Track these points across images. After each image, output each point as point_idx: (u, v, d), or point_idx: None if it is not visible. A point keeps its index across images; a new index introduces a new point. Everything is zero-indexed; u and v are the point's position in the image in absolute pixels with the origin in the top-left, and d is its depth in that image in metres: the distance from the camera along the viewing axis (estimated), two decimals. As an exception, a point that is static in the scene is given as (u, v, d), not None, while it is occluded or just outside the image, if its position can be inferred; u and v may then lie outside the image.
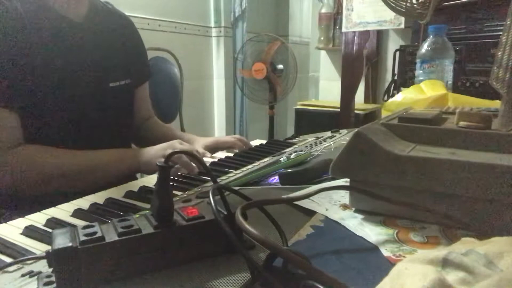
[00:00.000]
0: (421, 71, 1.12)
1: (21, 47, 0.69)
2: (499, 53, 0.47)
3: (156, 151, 0.73)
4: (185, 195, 0.56)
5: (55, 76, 0.73)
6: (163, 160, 0.64)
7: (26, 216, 0.50)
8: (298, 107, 2.18)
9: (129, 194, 0.58)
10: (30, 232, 0.45)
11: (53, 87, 0.73)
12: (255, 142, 0.97)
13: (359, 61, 1.98)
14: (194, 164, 0.69)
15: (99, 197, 0.57)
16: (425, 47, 1.11)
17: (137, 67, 0.96)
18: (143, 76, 1.00)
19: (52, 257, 0.30)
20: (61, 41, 0.75)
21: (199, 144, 0.90)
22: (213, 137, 0.96)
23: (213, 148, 0.90)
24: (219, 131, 2.83)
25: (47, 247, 0.39)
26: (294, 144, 0.91)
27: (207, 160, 0.79)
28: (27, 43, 0.70)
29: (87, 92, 0.79)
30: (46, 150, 0.72)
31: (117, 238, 0.32)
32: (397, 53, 1.71)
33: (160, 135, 0.98)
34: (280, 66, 2.39)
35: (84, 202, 0.55)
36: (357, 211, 0.47)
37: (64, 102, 0.75)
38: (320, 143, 0.88)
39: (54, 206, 0.54)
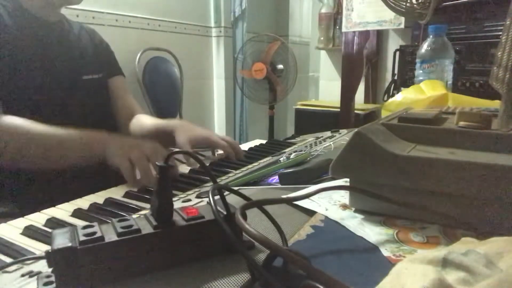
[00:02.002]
0: (421, 71, 1.12)
1: None
2: (499, 53, 0.47)
3: (123, 146, 0.65)
4: (185, 195, 0.56)
5: (31, 73, 0.78)
6: (123, 161, 0.61)
7: (26, 216, 0.50)
8: (298, 107, 2.18)
9: (129, 194, 0.58)
10: (30, 232, 0.45)
11: (26, 81, 0.77)
12: (255, 142, 0.97)
13: (359, 61, 1.98)
14: (154, 174, 0.62)
15: (99, 197, 0.57)
16: (425, 47, 1.11)
17: (107, 62, 1.00)
18: (114, 70, 1.03)
19: (52, 257, 0.30)
20: (37, 41, 0.81)
21: (184, 136, 0.79)
22: (208, 132, 0.83)
23: (197, 146, 0.80)
24: (219, 131, 2.83)
25: (47, 247, 0.39)
26: (294, 144, 0.91)
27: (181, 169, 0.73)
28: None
29: (63, 84, 0.84)
30: (27, 121, 0.70)
31: (116, 238, 0.32)
32: (397, 53, 1.71)
33: (144, 129, 0.94)
34: (280, 66, 2.39)
35: (84, 202, 0.55)
36: (357, 211, 0.47)
37: (38, 95, 0.79)
38: (320, 143, 0.88)
39: (54, 206, 0.54)
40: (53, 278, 0.31)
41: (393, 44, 2.02)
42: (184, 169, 0.74)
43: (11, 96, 0.75)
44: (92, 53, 0.95)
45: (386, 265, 0.34)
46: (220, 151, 0.81)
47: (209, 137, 0.80)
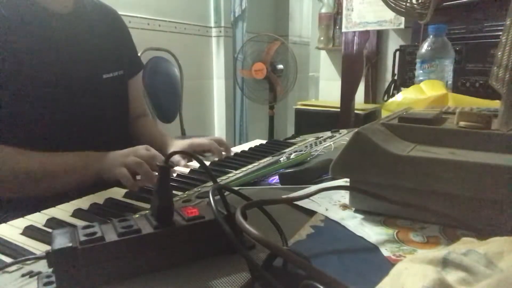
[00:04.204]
0: (421, 71, 1.12)
1: (4, 44, 0.68)
2: (499, 53, 0.47)
3: (116, 158, 0.66)
4: (185, 195, 0.56)
5: (45, 70, 0.73)
6: (123, 169, 0.62)
7: (26, 216, 0.50)
8: (298, 107, 2.18)
9: (129, 194, 0.58)
10: (30, 232, 0.45)
11: (43, 82, 0.72)
12: (255, 142, 0.97)
13: (359, 61, 1.98)
14: (155, 174, 0.63)
15: (99, 197, 0.57)
16: (425, 47, 1.11)
17: (128, 58, 0.95)
18: (135, 67, 0.99)
19: (52, 257, 0.30)
20: (48, 35, 0.74)
21: (173, 148, 0.86)
22: (191, 139, 0.88)
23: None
24: (219, 131, 2.83)
25: (47, 247, 0.39)
26: (294, 144, 0.91)
27: (180, 169, 0.74)
28: (11, 40, 0.69)
29: (81, 85, 0.78)
30: (16, 152, 0.69)
31: (117, 238, 0.32)
32: (397, 53, 1.71)
33: (147, 136, 0.97)
34: (280, 66, 2.39)
35: (84, 202, 0.55)
36: (357, 211, 0.47)
37: (56, 97, 0.74)
38: (320, 143, 0.88)
39: (54, 206, 0.54)
40: (53, 278, 0.31)
41: (393, 44, 2.02)
42: (184, 169, 0.74)
43: (19, 101, 0.70)
44: (112, 47, 0.88)
45: (386, 265, 0.34)
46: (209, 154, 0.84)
47: (192, 141, 0.85)
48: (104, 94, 0.84)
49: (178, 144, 0.88)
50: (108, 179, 0.65)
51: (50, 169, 0.68)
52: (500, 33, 0.48)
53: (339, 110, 1.98)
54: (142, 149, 0.68)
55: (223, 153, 0.83)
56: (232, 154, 0.84)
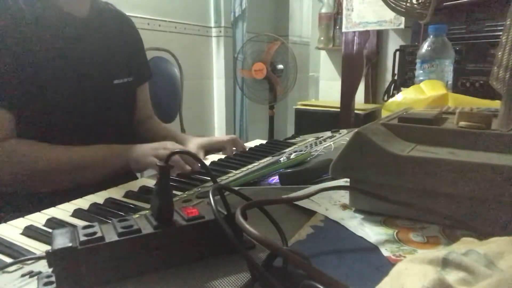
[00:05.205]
0: (421, 71, 1.12)
1: (23, 44, 0.69)
2: (499, 53, 0.47)
3: (146, 149, 0.71)
4: (185, 195, 0.56)
5: (60, 71, 0.74)
6: (154, 159, 0.68)
7: (26, 216, 0.50)
8: (298, 107, 2.18)
9: (129, 194, 0.58)
10: (30, 232, 0.45)
11: (57, 83, 0.74)
12: (255, 142, 0.97)
13: (359, 61, 1.98)
14: (187, 165, 0.68)
15: (99, 197, 0.57)
16: (425, 47, 1.11)
17: (138, 66, 0.97)
18: (144, 76, 1.01)
19: (52, 257, 0.30)
20: (65, 37, 0.76)
21: (193, 144, 0.90)
22: (208, 137, 0.95)
23: (207, 148, 0.89)
24: (219, 131, 2.83)
25: (47, 247, 0.39)
26: (294, 144, 0.91)
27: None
28: (30, 40, 0.70)
29: (92, 88, 0.80)
30: (37, 146, 0.71)
31: (117, 238, 0.32)
32: (397, 53, 1.71)
33: (159, 136, 0.99)
34: (280, 66, 2.39)
35: (84, 202, 0.55)
36: (357, 211, 0.47)
37: (68, 99, 0.75)
38: (320, 143, 0.88)
39: (54, 206, 0.54)
40: (53, 278, 0.31)
41: (393, 44, 2.02)
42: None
43: (33, 102, 0.71)
44: (124, 54, 0.90)
45: (386, 265, 0.34)
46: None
47: (212, 138, 0.91)
48: (113, 99, 0.85)
49: (197, 141, 0.91)
50: (137, 169, 0.71)
51: (78, 161, 0.71)
52: (500, 33, 0.48)
53: (339, 110, 1.98)
54: (168, 143, 0.74)
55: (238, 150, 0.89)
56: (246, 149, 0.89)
